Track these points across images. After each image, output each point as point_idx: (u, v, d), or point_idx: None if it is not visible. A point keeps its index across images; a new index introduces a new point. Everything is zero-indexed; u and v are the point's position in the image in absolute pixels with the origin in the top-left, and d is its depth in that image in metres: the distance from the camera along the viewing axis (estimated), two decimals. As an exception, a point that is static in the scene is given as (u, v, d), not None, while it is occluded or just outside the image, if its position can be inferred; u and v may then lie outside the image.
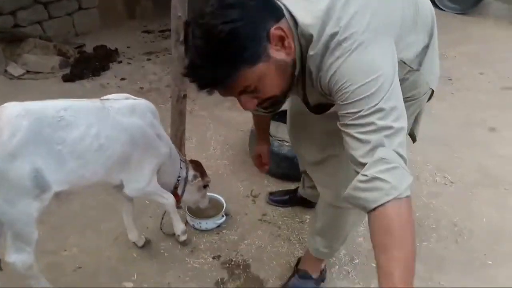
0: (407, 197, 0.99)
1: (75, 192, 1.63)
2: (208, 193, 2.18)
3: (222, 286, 1.88)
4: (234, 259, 2.03)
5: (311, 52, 1.05)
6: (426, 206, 2.40)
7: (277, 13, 1.04)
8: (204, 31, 0.96)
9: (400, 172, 0.99)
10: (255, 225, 2.24)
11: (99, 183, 1.65)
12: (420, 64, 1.26)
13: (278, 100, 1.13)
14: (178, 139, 2.38)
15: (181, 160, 2.00)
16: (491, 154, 2.88)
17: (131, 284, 1.87)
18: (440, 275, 1.96)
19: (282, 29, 1.00)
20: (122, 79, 3.93)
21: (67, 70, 4.00)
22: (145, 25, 5.23)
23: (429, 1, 1.35)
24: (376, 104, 0.98)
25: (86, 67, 4.02)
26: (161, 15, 4.94)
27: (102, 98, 1.66)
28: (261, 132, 1.94)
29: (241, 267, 1.99)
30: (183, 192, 2.01)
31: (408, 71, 1.24)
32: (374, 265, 1.95)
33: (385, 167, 0.97)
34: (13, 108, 1.38)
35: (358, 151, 1.01)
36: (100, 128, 1.52)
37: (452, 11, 5.59)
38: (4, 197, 1.37)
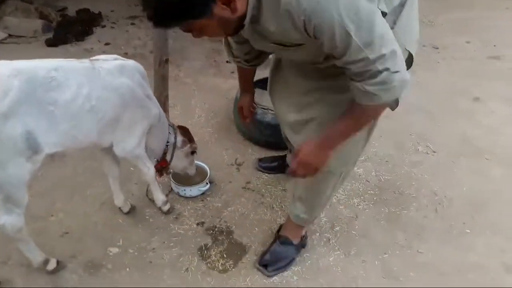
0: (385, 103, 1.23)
1: (67, 154, 1.63)
2: (193, 161, 2.19)
3: (205, 252, 1.92)
4: (217, 226, 2.06)
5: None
6: (407, 175, 2.44)
7: None
8: None
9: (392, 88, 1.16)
10: (239, 193, 2.28)
11: (91, 145, 1.65)
12: (394, 23, 1.28)
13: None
14: (162, 105, 2.35)
15: (169, 125, 2.00)
16: (475, 123, 2.91)
17: (116, 250, 1.91)
18: (419, 243, 2.01)
19: None
20: (106, 44, 3.84)
21: (50, 35, 3.90)
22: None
23: None
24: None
25: (69, 31, 3.91)
26: (146, -23, 4.77)
27: (91, 58, 1.64)
28: (243, 84, 1.94)
29: (224, 233, 2.03)
30: (171, 157, 2.02)
31: None
32: (354, 232, 2.04)
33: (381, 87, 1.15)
34: (4, 68, 1.36)
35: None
36: (91, 88, 1.51)
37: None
38: None
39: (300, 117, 1.58)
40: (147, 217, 2.09)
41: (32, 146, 1.39)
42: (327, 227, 2.08)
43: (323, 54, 1.25)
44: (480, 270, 1.89)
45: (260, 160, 2.45)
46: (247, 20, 1.18)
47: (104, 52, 3.62)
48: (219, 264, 1.87)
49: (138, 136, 1.78)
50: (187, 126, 2.16)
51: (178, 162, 2.07)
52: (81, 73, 1.51)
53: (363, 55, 1.11)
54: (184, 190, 2.19)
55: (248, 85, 1.94)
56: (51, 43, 3.78)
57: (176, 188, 2.22)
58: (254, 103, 2.04)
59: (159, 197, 2.06)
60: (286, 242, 1.88)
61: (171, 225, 2.05)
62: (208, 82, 3.29)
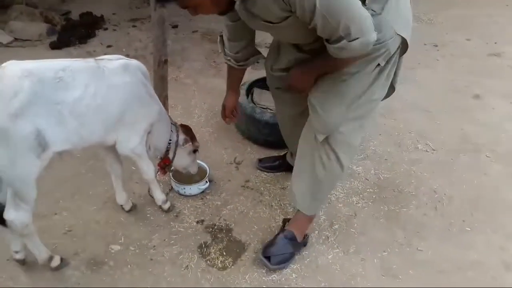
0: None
1: (74, 152, 1.68)
2: (194, 160, 2.22)
3: (205, 249, 1.94)
4: (217, 224, 2.09)
5: None
6: (406, 172, 2.44)
7: None
8: None
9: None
10: (238, 191, 2.29)
11: (97, 142, 1.71)
12: (382, 8, 1.46)
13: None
14: (162, 105, 2.39)
15: (171, 123, 2.03)
16: (475, 121, 2.90)
17: (118, 247, 1.94)
18: (418, 241, 2.00)
19: None
20: (108, 46, 3.89)
21: (54, 38, 3.95)
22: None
23: None
24: None
25: (72, 34, 3.97)
26: (147, -20, 4.83)
27: (96, 58, 1.68)
28: (231, 84, 2.04)
29: (223, 231, 2.05)
30: (174, 156, 2.05)
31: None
32: (353, 230, 2.05)
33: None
34: (14, 67, 1.41)
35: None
36: (97, 88, 1.57)
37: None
38: (6, 155, 1.41)
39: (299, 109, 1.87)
40: (148, 215, 2.12)
41: (41, 144, 1.45)
42: (326, 225, 2.09)
43: (309, 33, 1.42)
44: (480, 268, 1.88)
45: (260, 160, 2.47)
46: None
47: (106, 54, 3.66)
48: (219, 261, 1.89)
49: (140, 134, 1.82)
50: (187, 126, 2.19)
51: (180, 160, 2.10)
52: (87, 73, 1.57)
53: (326, 23, 1.30)
54: (184, 188, 2.21)
55: (235, 85, 2.04)
56: (55, 46, 3.84)
57: (176, 186, 2.24)
58: (253, 102, 2.09)
59: (159, 196, 2.09)
60: (291, 237, 1.90)
61: (171, 223, 2.07)
62: (207, 83, 3.32)
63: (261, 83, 2.58)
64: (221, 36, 1.88)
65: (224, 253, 1.93)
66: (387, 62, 1.57)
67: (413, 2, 1.64)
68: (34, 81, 1.40)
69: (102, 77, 1.60)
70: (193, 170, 2.20)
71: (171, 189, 2.28)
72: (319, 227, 2.08)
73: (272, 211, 2.17)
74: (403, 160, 2.55)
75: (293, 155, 2.27)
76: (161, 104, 1.94)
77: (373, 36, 1.36)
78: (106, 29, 4.23)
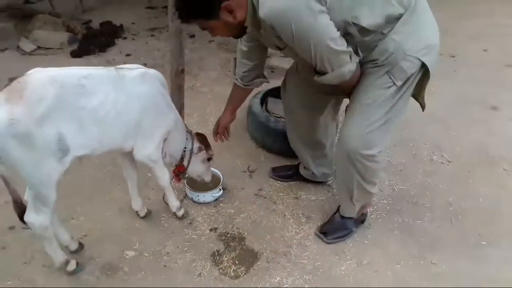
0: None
1: (94, 157, 1.74)
2: (208, 168, 2.24)
3: (218, 257, 1.96)
4: (230, 232, 2.10)
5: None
6: (421, 184, 2.42)
7: None
8: None
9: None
10: (251, 200, 2.31)
11: (115, 148, 1.76)
12: (389, 32, 1.56)
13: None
14: (178, 113, 2.43)
15: (187, 131, 2.07)
16: (491, 133, 2.85)
17: (132, 253, 1.96)
18: (433, 254, 1.98)
19: (230, 5, 1.48)
20: (127, 55, 3.98)
21: (75, 46, 4.07)
22: (149, 0, 5.23)
23: None
24: None
25: (93, 43, 4.08)
26: (166, -9, 4.94)
27: (117, 67, 1.74)
28: (232, 102, 2.18)
29: (236, 239, 2.06)
30: (188, 163, 2.09)
31: (369, 33, 1.55)
32: (366, 242, 2.04)
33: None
34: (40, 75, 1.47)
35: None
36: (117, 95, 1.63)
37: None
38: (30, 159, 1.46)
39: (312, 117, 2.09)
40: (162, 222, 2.15)
41: (62, 149, 1.50)
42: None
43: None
44: (496, 283, 1.84)
45: (273, 169, 2.48)
46: (248, 25, 1.57)
47: (125, 63, 3.74)
48: (231, 270, 1.90)
49: (157, 142, 1.86)
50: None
51: (195, 168, 2.14)
52: (108, 81, 1.63)
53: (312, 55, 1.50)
54: (198, 196, 2.24)
55: (234, 106, 2.19)
56: (76, 54, 3.95)
57: (190, 194, 2.27)
58: (268, 111, 2.13)
59: (174, 203, 2.12)
60: (345, 215, 2.04)
61: (185, 230, 2.10)
62: (223, 92, 3.32)
63: (275, 92, 2.60)
64: (235, 58, 2.11)
65: (237, 262, 1.94)
66: (404, 83, 1.65)
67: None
68: (58, 88, 1.46)
69: (122, 86, 1.66)
70: (207, 178, 2.23)
71: (185, 196, 2.31)
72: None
73: (285, 221, 2.17)
74: (418, 171, 2.52)
75: (305, 167, 2.32)
76: (177, 113, 1.99)
77: (349, 65, 1.54)
78: (125, 38, 4.33)
